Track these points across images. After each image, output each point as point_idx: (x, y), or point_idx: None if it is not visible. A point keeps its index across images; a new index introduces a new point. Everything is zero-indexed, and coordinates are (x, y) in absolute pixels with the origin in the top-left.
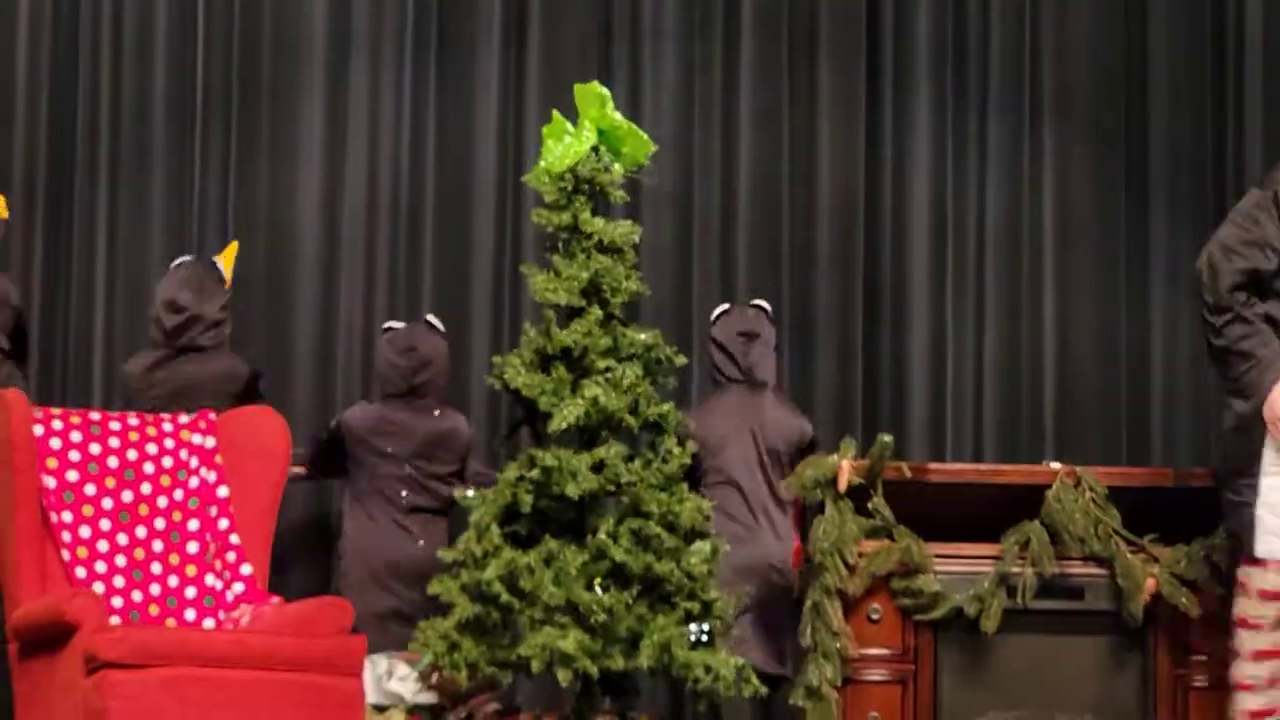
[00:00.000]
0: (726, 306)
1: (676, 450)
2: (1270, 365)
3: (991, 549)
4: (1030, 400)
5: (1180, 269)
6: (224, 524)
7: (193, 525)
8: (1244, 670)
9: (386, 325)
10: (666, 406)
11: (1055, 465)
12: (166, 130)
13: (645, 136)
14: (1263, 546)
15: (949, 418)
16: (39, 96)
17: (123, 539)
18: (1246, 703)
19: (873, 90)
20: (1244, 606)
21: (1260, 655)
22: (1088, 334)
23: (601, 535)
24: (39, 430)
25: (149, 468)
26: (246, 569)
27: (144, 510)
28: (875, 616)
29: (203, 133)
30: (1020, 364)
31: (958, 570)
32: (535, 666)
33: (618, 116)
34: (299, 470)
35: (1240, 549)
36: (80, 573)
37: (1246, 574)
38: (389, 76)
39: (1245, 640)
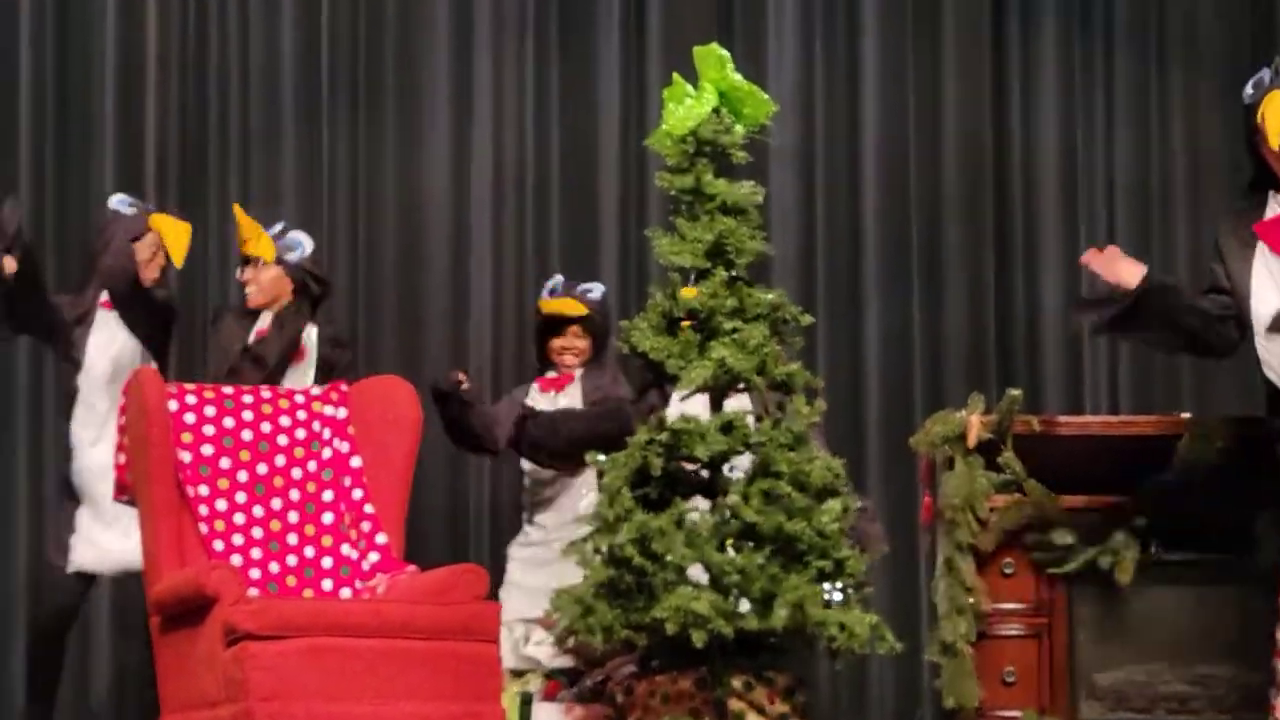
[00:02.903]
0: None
1: (805, 409)
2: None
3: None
4: None
5: None
6: (358, 494)
7: (327, 496)
8: None
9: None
10: (794, 366)
11: (1186, 415)
12: (295, 113)
13: (766, 97)
14: None
15: (1086, 366)
16: (169, 81)
17: (258, 511)
18: None
19: (997, 37)
20: None
21: None
22: None
23: (733, 496)
24: (173, 405)
25: (282, 440)
26: (381, 538)
27: (278, 482)
28: (1008, 571)
29: (330, 114)
30: None
31: (1090, 523)
32: (670, 628)
33: (738, 78)
34: None
35: None
36: (218, 545)
37: None
38: (511, 45)
39: None
